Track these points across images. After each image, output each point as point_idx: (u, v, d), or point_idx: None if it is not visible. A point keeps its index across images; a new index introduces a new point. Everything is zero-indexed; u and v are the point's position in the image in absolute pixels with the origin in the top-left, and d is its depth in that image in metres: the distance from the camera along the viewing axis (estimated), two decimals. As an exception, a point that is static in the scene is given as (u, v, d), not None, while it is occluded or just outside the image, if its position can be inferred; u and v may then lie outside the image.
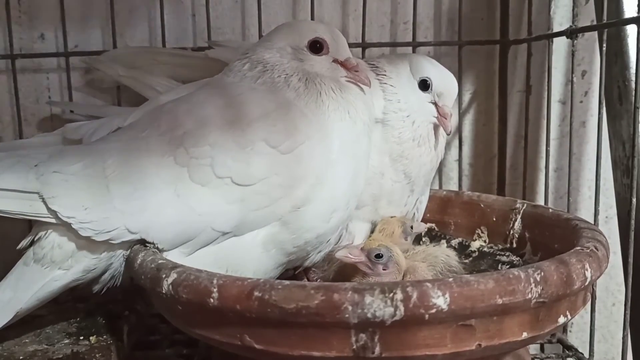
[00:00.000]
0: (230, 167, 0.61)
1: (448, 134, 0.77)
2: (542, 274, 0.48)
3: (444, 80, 0.76)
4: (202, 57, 0.89)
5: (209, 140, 0.61)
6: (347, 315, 0.45)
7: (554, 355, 0.83)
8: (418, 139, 0.74)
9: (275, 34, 0.71)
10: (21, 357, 0.63)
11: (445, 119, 0.75)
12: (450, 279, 0.46)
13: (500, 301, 0.46)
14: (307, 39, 0.69)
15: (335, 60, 0.69)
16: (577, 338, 1.08)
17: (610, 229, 0.99)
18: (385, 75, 0.76)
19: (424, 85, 0.75)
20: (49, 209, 0.59)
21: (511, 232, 0.76)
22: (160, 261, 0.55)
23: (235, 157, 0.61)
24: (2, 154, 0.64)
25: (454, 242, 0.81)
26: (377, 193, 0.75)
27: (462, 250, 0.79)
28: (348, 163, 0.65)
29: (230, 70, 0.70)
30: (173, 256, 0.59)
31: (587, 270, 0.52)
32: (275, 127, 0.63)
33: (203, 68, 0.87)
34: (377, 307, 0.45)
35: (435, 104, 0.75)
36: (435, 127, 0.76)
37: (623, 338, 0.77)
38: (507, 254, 0.75)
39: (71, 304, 0.78)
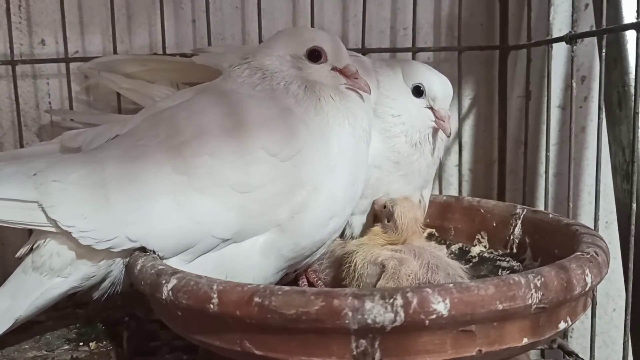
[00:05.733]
0: (229, 175, 0.61)
1: (448, 136, 0.77)
2: (543, 279, 0.48)
3: (437, 83, 0.76)
4: (190, 62, 0.89)
5: (208, 149, 0.61)
6: (347, 321, 0.45)
7: (554, 361, 0.83)
8: (409, 141, 0.75)
9: (274, 42, 0.71)
10: (21, 363, 0.63)
11: (443, 121, 0.75)
12: (451, 285, 0.46)
13: (500, 307, 0.46)
14: (306, 47, 0.69)
15: (334, 68, 0.69)
16: (578, 344, 1.08)
17: (610, 234, 0.99)
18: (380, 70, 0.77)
19: (418, 91, 0.75)
20: (48, 218, 0.59)
21: (511, 237, 0.76)
22: (160, 267, 0.55)
23: (234, 165, 0.61)
24: (0, 164, 0.64)
25: (454, 247, 0.81)
26: (376, 185, 0.75)
27: (462, 255, 0.79)
28: (346, 169, 0.65)
29: (229, 75, 0.70)
30: (173, 263, 0.59)
31: (587, 275, 0.52)
32: (274, 135, 0.63)
33: (194, 73, 0.87)
34: (377, 312, 0.45)
35: (431, 108, 0.75)
36: (435, 131, 0.77)
37: (624, 344, 0.77)
38: (508, 259, 0.75)
39: (71, 310, 0.78)
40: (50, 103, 0.98)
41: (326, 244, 0.68)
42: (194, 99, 0.68)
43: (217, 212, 0.60)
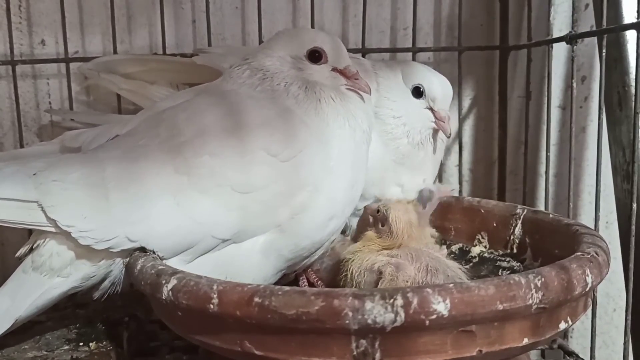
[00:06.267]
0: (229, 176, 0.61)
1: (448, 137, 0.77)
2: (543, 279, 0.48)
3: (437, 84, 0.76)
4: (190, 63, 0.89)
5: (209, 149, 0.61)
6: (347, 321, 0.45)
7: (555, 361, 0.83)
8: (411, 142, 0.75)
9: (274, 42, 0.71)
10: (21, 364, 0.63)
11: (443, 122, 0.75)
12: (451, 285, 0.46)
13: (501, 307, 0.46)
14: (306, 48, 0.69)
15: (334, 69, 0.69)
16: (578, 344, 1.08)
17: (610, 234, 0.99)
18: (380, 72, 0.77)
19: (417, 92, 0.76)
20: (48, 217, 0.59)
21: (512, 237, 0.76)
22: (160, 267, 0.55)
23: (234, 166, 0.61)
24: (0, 164, 0.64)
25: (455, 247, 0.81)
26: (380, 184, 0.75)
27: (462, 255, 0.79)
28: (346, 171, 0.65)
29: (229, 76, 0.70)
30: (173, 264, 0.59)
31: (587, 275, 0.52)
32: (274, 135, 0.63)
33: (194, 74, 0.87)
34: (378, 313, 0.45)
35: (431, 109, 0.75)
36: (435, 132, 0.77)
37: (624, 344, 0.77)
38: (508, 259, 0.75)
39: (71, 310, 0.78)
40: (50, 103, 0.98)
41: (324, 246, 0.68)
42: (195, 99, 0.68)
43: (218, 213, 0.60)
